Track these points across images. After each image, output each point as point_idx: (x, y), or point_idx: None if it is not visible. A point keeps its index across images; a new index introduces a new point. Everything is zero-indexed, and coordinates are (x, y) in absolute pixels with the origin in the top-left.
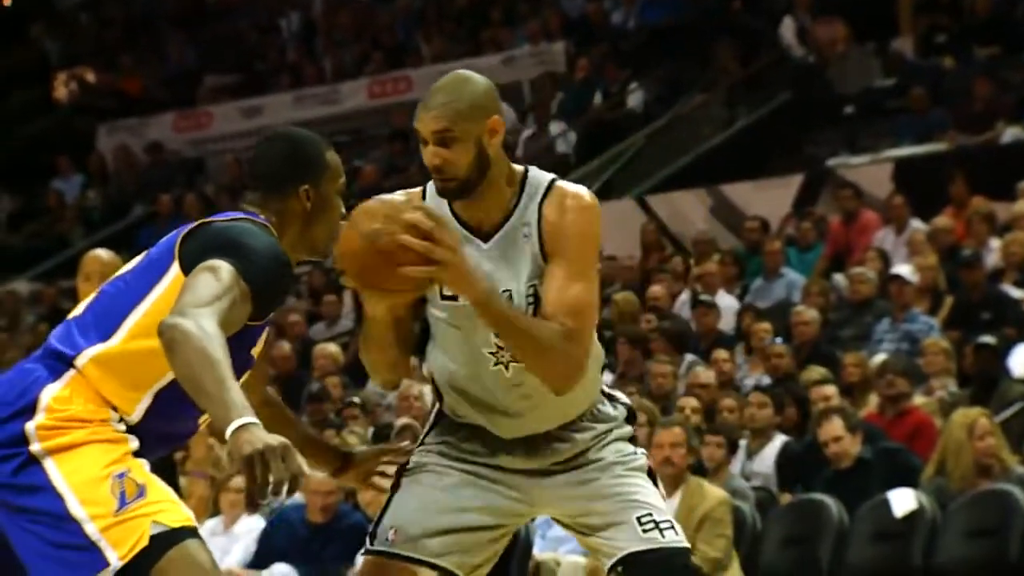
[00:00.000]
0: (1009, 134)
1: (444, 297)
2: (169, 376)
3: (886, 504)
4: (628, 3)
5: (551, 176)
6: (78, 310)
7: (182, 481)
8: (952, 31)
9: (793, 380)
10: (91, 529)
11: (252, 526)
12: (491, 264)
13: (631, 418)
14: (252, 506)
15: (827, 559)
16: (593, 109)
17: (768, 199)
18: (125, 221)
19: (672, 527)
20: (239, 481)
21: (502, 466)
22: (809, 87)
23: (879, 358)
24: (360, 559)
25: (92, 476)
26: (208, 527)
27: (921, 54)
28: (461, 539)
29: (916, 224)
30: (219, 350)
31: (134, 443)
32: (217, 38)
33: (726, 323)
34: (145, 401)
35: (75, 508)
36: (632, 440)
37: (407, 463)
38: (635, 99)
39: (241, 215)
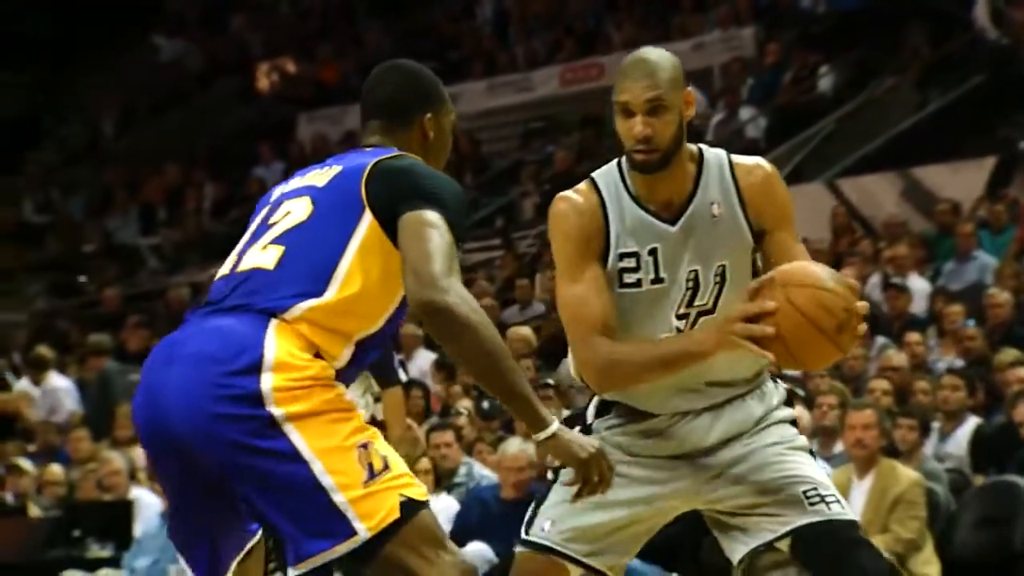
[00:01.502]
0: None
1: (624, 286)
2: (375, 326)
3: None
4: None
5: (721, 151)
6: (262, 263)
7: None
8: None
9: (986, 363)
10: (339, 499)
11: (443, 505)
12: (677, 247)
13: (790, 402)
14: (440, 486)
15: (1021, 540)
16: (783, 94)
17: (960, 182)
18: None
19: (838, 500)
20: (426, 463)
21: (660, 454)
22: (1003, 69)
23: None
24: (517, 547)
25: (337, 445)
26: None
27: None
28: (615, 538)
29: None
30: (499, 337)
31: (362, 412)
32: (412, 27)
33: (918, 306)
34: (349, 349)
35: (323, 477)
36: (793, 423)
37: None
38: (825, 83)
39: (387, 152)
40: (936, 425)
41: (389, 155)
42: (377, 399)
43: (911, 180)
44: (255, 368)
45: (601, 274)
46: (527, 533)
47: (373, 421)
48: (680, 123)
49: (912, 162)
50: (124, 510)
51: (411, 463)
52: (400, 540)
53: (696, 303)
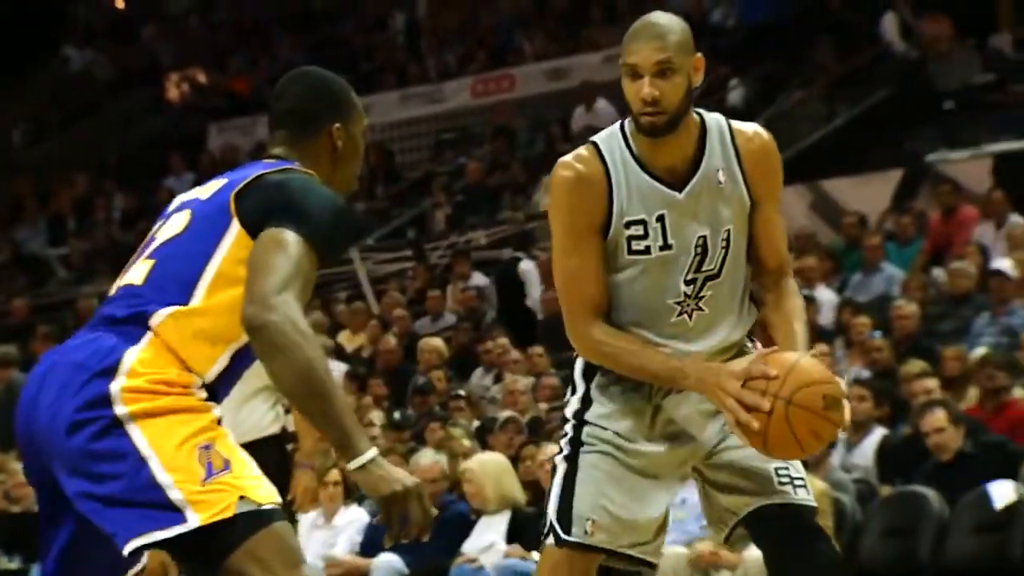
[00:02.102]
0: None
1: (632, 252)
2: (245, 337)
3: (986, 496)
4: (727, 1)
5: (719, 116)
6: (133, 279)
7: None
8: None
9: (892, 374)
10: (176, 495)
11: (353, 516)
12: (684, 214)
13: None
14: (350, 497)
15: (927, 551)
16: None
17: (867, 194)
18: None
19: (805, 486)
20: (336, 474)
21: (654, 435)
22: (910, 83)
23: (979, 352)
24: (548, 546)
25: (178, 443)
26: (309, 519)
27: (1021, 50)
28: (648, 527)
29: (1015, 219)
30: (323, 359)
31: (217, 411)
32: (324, 40)
33: (825, 317)
34: (222, 360)
35: (160, 473)
36: None
37: (578, 443)
38: (735, 96)
39: (278, 165)
40: (842, 436)
41: (274, 169)
42: (288, 410)
43: (819, 193)
44: (110, 372)
45: (600, 248)
46: (567, 533)
47: (285, 432)
48: (688, 87)
49: (820, 175)
50: (32, 522)
51: (322, 474)
52: (245, 550)
53: (704, 268)
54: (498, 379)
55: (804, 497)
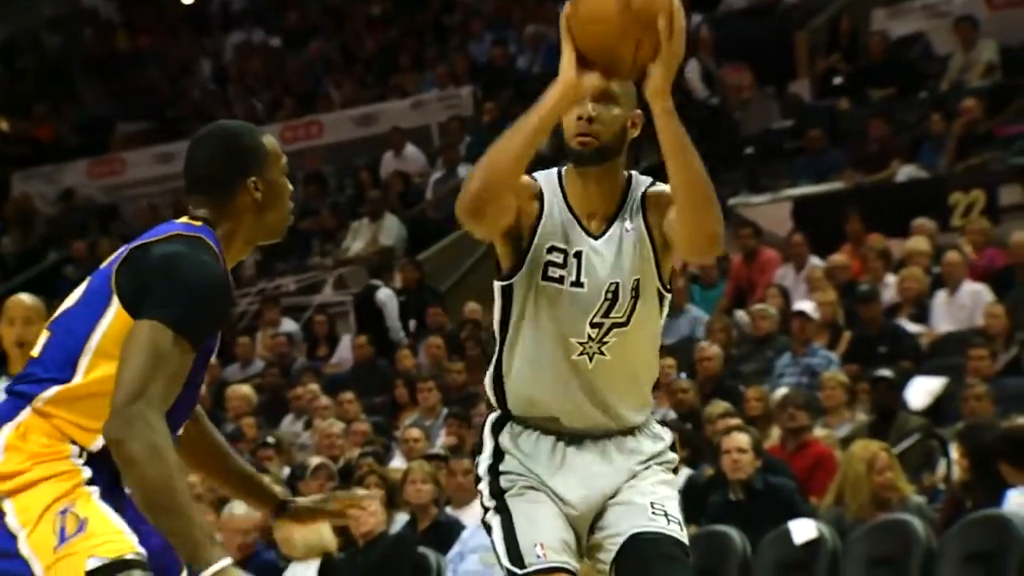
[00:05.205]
0: (904, 173)
1: (547, 279)
2: None
3: (788, 534)
4: (533, 48)
5: (648, 179)
6: (35, 351)
7: None
8: (848, 73)
9: (696, 415)
10: (37, 568)
11: None
12: (598, 258)
13: (674, 447)
14: None
15: None
16: None
17: None
18: (40, 266)
19: (679, 524)
20: None
21: (561, 486)
22: (713, 128)
23: (780, 392)
24: None
25: (39, 513)
26: None
27: (818, 96)
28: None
29: (815, 261)
30: (172, 475)
31: (87, 472)
32: (129, 86)
33: None
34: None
35: (23, 547)
36: (674, 471)
37: (500, 491)
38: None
39: (175, 229)
40: None
41: (155, 238)
42: None
43: None
44: None
45: None
46: (523, 567)
47: None
48: (624, 130)
49: None
50: None
51: None
52: None
53: (612, 315)
54: (308, 425)
55: (676, 531)
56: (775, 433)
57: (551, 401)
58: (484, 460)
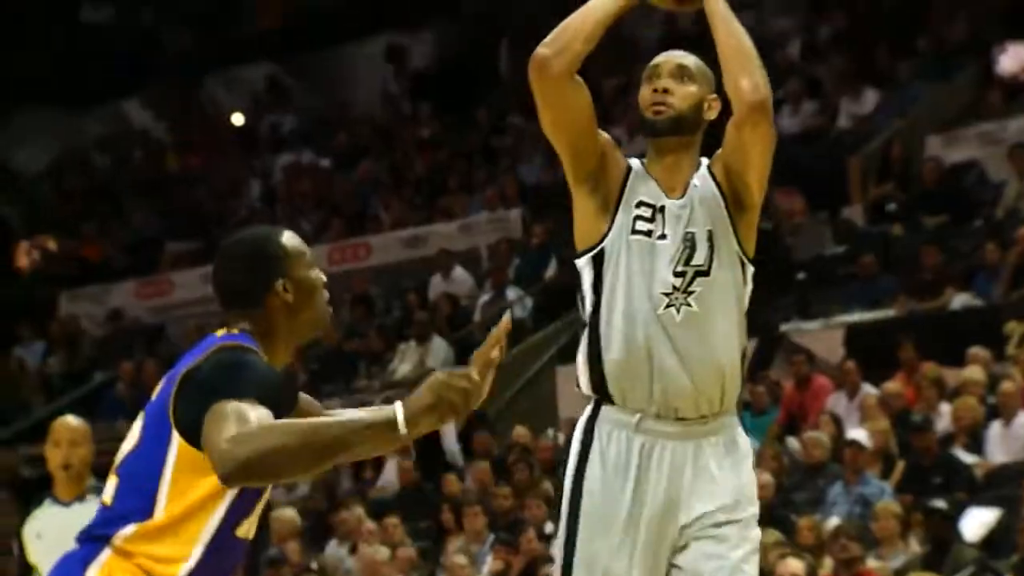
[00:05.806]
0: (957, 301)
1: (636, 232)
2: (212, 526)
3: None
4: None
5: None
6: (106, 496)
7: None
8: (901, 200)
9: None
10: None
11: None
12: (678, 215)
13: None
14: None
15: None
16: (549, 275)
17: None
18: (86, 387)
19: None
20: None
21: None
22: (766, 254)
23: (833, 522)
24: None
25: None
26: None
27: (871, 222)
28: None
29: (868, 389)
30: (292, 428)
31: None
32: (178, 206)
33: None
34: (194, 556)
35: None
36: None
37: (581, 502)
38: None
39: (217, 343)
40: None
41: (200, 359)
42: None
43: None
44: None
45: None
46: None
47: None
48: (700, 107)
49: None
50: None
51: None
52: None
53: (693, 262)
54: (353, 550)
55: None
56: (828, 564)
57: (645, 372)
58: (572, 458)
